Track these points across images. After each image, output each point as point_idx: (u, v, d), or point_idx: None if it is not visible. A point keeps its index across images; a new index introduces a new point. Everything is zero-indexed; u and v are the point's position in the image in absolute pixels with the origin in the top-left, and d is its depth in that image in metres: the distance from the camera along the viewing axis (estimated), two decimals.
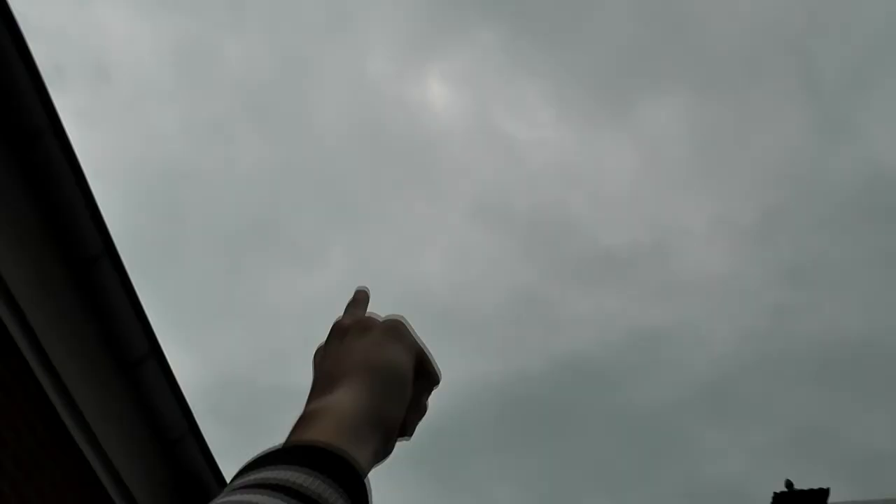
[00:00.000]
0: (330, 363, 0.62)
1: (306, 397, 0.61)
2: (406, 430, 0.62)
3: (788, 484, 5.47)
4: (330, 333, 0.66)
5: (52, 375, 3.43)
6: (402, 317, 0.64)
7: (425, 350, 0.63)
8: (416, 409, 0.63)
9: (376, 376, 0.59)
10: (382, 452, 0.58)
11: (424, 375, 0.63)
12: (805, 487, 5.59)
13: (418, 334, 0.64)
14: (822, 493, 5.55)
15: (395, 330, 0.62)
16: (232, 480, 0.49)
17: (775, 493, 4.38)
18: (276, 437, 0.52)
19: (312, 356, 0.66)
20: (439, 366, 0.64)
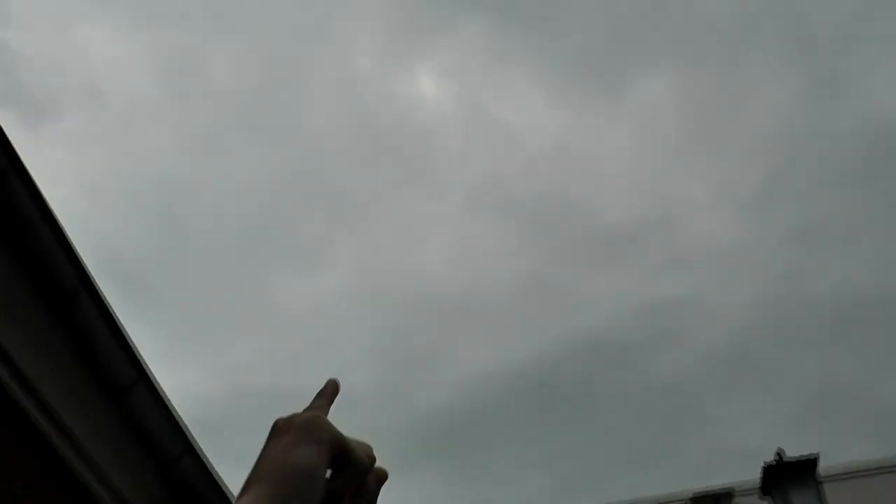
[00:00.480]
0: (254, 466, 0.62)
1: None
2: None
3: (779, 453, 5.49)
4: (269, 433, 0.65)
5: (43, 411, 3.49)
6: (320, 413, 0.64)
7: (346, 441, 0.62)
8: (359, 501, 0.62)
9: (280, 480, 0.58)
10: None
11: (351, 465, 0.62)
12: (795, 456, 5.62)
13: (337, 426, 0.63)
14: (811, 462, 5.58)
15: (308, 428, 0.62)
16: None
17: (765, 464, 4.37)
18: None
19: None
20: (369, 451, 0.63)
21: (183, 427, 4.01)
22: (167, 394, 3.97)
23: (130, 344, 3.70)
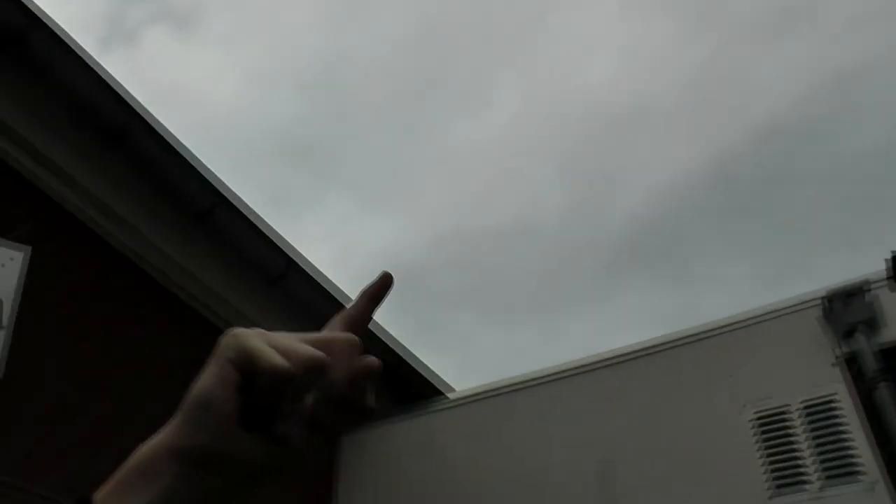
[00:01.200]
0: None
1: None
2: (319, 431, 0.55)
3: None
4: None
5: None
6: (236, 329, 0.55)
7: (251, 349, 0.52)
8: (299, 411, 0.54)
9: (182, 409, 0.54)
10: (195, 480, 0.51)
11: (259, 374, 0.52)
12: None
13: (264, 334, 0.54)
14: None
15: (216, 351, 0.55)
16: None
17: (893, 253, 3.95)
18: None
19: None
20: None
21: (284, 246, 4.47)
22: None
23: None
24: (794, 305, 3.86)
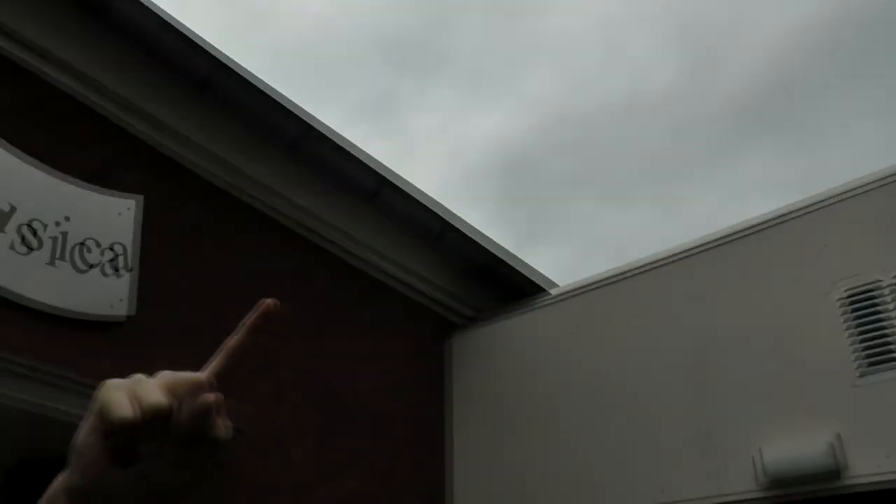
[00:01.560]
0: None
1: None
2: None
3: None
4: None
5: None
6: (108, 381, 0.61)
7: (108, 400, 0.58)
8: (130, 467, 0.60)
9: (71, 461, 0.61)
10: None
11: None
12: None
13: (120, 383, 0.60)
14: None
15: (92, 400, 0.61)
16: None
17: None
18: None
19: None
20: None
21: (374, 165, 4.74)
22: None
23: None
24: (885, 177, 3.72)
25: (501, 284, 5.46)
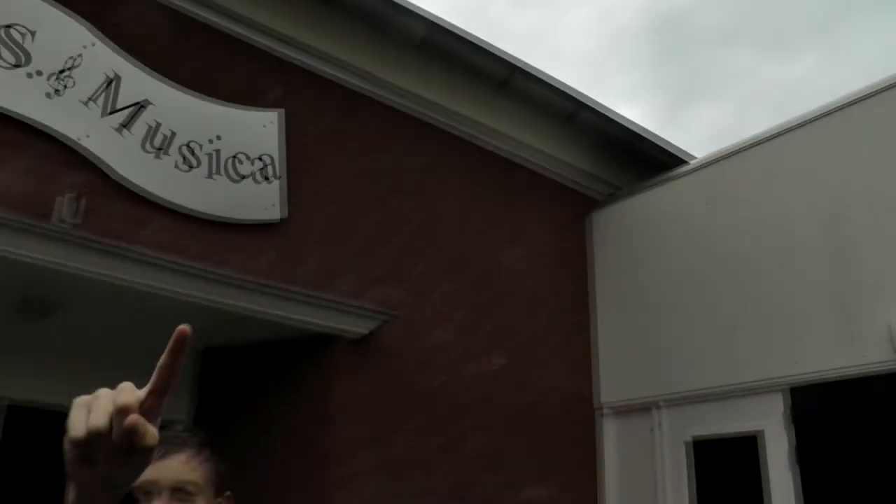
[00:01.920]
0: None
1: None
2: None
3: None
4: None
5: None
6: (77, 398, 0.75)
7: (70, 419, 0.73)
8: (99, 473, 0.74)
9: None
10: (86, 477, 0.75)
11: None
12: None
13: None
14: None
15: None
16: None
17: None
18: None
19: None
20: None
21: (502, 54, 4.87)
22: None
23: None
24: None
25: (641, 160, 5.46)
